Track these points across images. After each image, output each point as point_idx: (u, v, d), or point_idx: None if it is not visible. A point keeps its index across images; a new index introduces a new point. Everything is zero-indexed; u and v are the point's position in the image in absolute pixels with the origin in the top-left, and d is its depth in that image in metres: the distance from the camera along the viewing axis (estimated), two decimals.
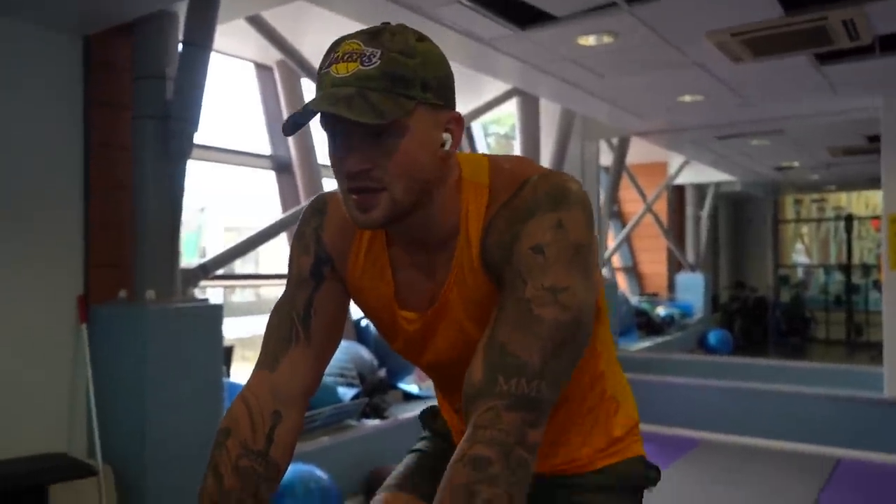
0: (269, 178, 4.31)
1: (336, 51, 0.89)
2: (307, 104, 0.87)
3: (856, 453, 4.37)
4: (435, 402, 1.29)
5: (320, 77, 0.89)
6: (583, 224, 0.91)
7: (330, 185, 4.28)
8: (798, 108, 5.00)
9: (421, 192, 0.92)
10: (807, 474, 4.05)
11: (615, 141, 6.40)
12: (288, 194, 4.27)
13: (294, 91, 4.28)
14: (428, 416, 1.29)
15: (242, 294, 5.49)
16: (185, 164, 2.76)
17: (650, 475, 1.16)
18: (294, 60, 3.60)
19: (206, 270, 3.05)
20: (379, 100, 0.85)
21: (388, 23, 0.92)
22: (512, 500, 0.78)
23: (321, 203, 1.09)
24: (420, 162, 0.90)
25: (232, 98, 4.37)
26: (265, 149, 4.28)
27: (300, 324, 1.05)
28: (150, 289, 2.67)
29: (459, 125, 0.94)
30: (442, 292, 0.98)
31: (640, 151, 7.08)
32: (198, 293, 3.04)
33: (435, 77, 0.90)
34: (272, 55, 4.10)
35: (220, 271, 3.34)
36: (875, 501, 3.65)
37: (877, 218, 10.44)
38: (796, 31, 3.24)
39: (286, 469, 1.07)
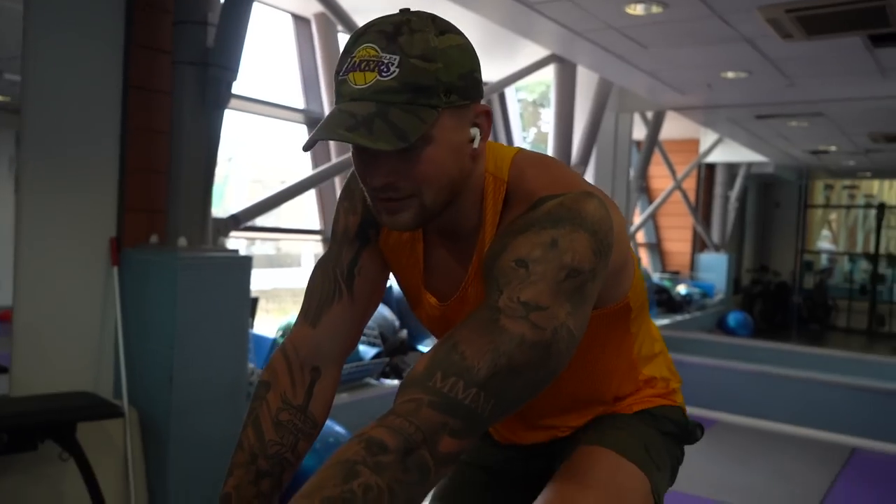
0: (300, 131, 4.28)
1: (352, 54, 0.83)
2: (322, 127, 0.81)
3: (872, 443, 4.35)
4: None
5: (338, 83, 0.84)
6: (586, 249, 0.82)
7: None
8: (843, 91, 4.86)
9: (451, 194, 0.89)
10: (822, 462, 4.04)
11: (649, 115, 6.29)
12: (319, 149, 4.25)
13: (331, 45, 4.22)
14: None
15: (262, 247, 5.52)
16: (222, 112, 2.74)
17: (691, 427, 1.15)
18: (333, 13, 3.53)
19: (237, 221, 3.05)
20: (400, 118, 0.80)
21: (408, 10, 0.85)
22: (393, 498, 0.70)
23: None
24: (447, 167, 0.86)
25: (267, 49, 4.32)
26: (298, 102, 4.25)
27: (344, 282, 1.05)
28: (182, 236, 2.68)
29: (488, 118, 0.89)
30: (462, 285, 0.97)
31: (671, 127, 6.95)
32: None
33: (460, 76, 0.84)
34: (311, 7, 4.04)
35: None
36: (890, 492, 3.64)
37: None
38: (854, 11, 3.14)
39: (323, 425, 1.08)
